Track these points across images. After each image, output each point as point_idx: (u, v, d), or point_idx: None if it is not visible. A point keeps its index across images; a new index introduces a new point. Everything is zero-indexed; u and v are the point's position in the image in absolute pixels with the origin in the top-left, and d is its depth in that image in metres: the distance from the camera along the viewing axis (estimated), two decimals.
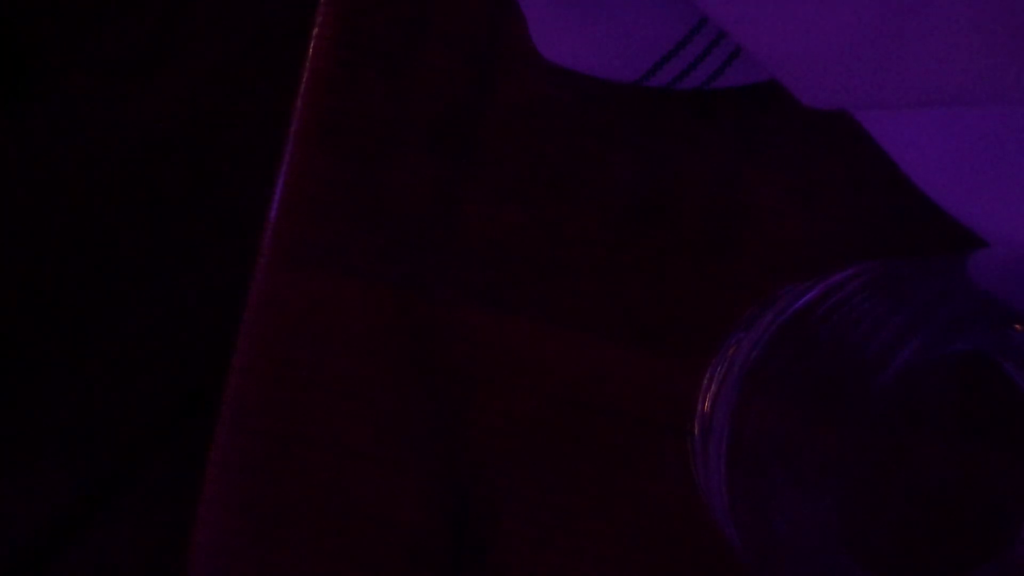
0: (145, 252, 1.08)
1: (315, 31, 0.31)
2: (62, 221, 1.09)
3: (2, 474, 1.06)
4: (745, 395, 0.25)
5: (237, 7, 1.11)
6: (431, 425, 0.30)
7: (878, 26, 0.18)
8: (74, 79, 1.10)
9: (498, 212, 0.30)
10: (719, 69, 0.27)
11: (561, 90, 0.30)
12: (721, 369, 0.26)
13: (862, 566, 0.24)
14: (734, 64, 0.27)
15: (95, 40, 1.10)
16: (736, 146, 0.30)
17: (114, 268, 1.08)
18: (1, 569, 1.03)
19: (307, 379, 0.30)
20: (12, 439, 1.07)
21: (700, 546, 0.29)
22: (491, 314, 0.30)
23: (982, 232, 0.24)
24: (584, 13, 0.27)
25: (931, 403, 0.24)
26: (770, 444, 0.24)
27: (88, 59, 1.10)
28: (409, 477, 0.30)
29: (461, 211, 0.30)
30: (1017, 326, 0.23)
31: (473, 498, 0.29)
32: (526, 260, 0.30)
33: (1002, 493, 0.24)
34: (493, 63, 0.30)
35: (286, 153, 0.30)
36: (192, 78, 1.10)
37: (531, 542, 0.29)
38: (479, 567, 0.29)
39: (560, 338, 0.29)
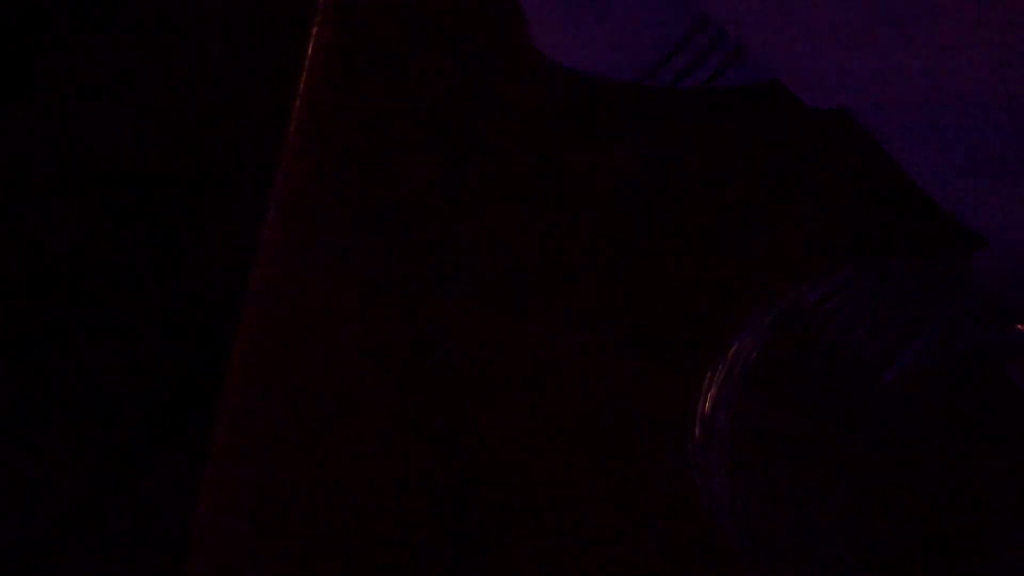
0: (145, 251, 1.08)
1: (315, 31, 0.31)
2: (62, 221, 1.09)
3: (3, 473, 1.06)
4: (746, 396, 0.25)
5: (237, 6, 1.11)
6: (431, 425, 0.30)
7: (879, 27, 0.18)
8: (74, 79, 1.10)
9: (498, 213, 0.30)
10: (719, 69, 0.27)
11: (561, 90, 0.30)
12: (722, 370, 0.26)
13: (863, 566, 0.24)
14: (734, 64, 0.27)
15: (95, 40, 1.10)
16: (736, 146, 0.30)
17: (113, 267, 1.08)
18: (2, 568, 1.02)
19: (307, 379, 0.30)
20: (13, 439, 1.07)
21: (701, 546, 0.29)
22: (491, 315, 0.30)
23: (983, 232, 0.24)
24: (585, 13, 0.27)
25: (932, 403, 0.24)
26: (770, 445, 0.24)
27: (88, 59, 1.10)
28: (410, 478, 0.30)
29: (461, 212, 0.30)
30: (1018, 326, 0.23)
31: (474, 499, 0.29)
32: (526, 261, 0.30)
33: (1001, 493, 0.24)
34: (493, 63, 0.30)
35: (285, 153, 0.30)
36: (192, 78, 1.10)
37: (531, 542, 0.29)
38: (480, 568, 0.29)
39: (560, 338, 0.29)
